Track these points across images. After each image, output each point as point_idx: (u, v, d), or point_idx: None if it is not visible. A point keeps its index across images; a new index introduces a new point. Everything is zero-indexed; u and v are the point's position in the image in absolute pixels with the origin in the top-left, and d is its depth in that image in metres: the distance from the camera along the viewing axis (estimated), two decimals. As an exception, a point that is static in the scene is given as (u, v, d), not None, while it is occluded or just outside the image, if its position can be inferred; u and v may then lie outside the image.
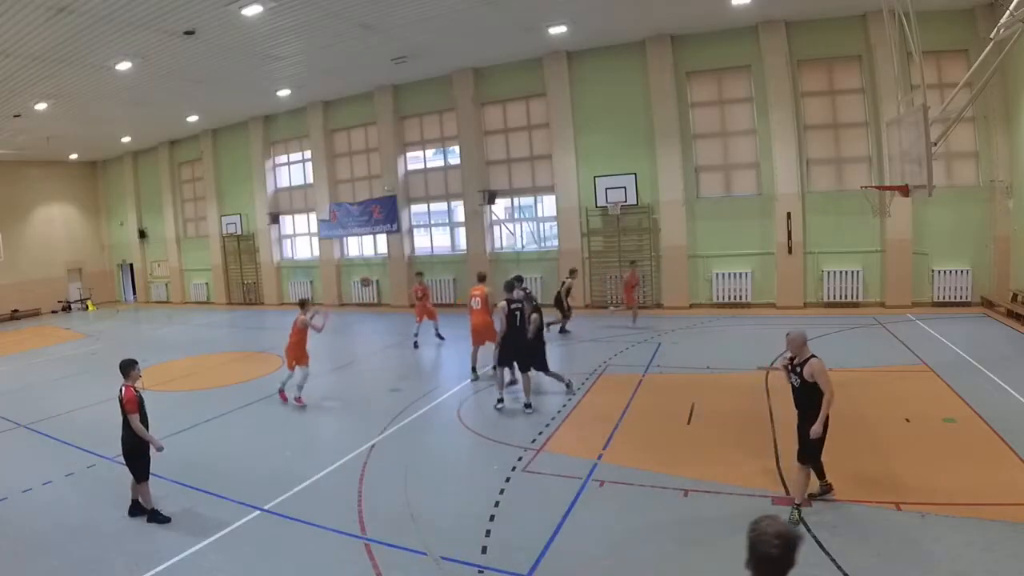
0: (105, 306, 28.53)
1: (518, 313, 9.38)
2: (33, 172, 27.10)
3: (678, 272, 17.04)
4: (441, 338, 14.45)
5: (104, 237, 30.53)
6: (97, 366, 14.23)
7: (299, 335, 9.98)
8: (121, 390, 6.11)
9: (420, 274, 15.30)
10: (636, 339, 13.39)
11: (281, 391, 10.30)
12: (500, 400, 9.29)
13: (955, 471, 6.14)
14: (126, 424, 6.11)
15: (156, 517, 6.17)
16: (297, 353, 10.01)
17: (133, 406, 6.03)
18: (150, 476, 6.24)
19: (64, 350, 17.27)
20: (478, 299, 11.09)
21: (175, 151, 27.01)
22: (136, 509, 6.28)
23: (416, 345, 14.15)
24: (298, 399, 10.01)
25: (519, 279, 10.60)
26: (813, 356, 5.44)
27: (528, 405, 9.08)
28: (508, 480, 6.71)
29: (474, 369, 11.14)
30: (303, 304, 10.21)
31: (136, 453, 6.12)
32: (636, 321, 14.92)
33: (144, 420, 6.19)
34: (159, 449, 6.19)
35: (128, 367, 6.24)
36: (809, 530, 5.20)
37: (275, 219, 24.12)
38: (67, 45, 12.97)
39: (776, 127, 15.67)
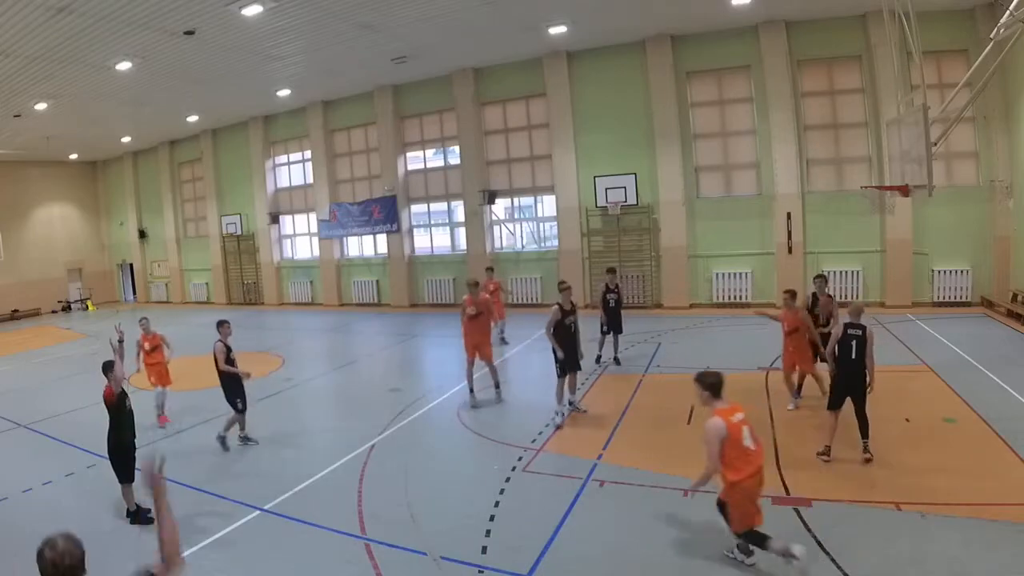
0: (105, 306, 28.50)
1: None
2: (33, 172, 27.12)
3: (678, 272, 17.03)
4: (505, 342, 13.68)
5: (104, 237, 30.54)
6: (97, 366, 14.14)
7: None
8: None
9: (491, 269, 14.86)
10: (636, 339, 13.37)
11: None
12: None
13: (955, 471, 6.14)
14: (112, 425, 6.19)
15: (139, 518, 6.15)
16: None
17: (113, 400, 6.18)
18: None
19: (64, 350, 17.26)
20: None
21: (175, 151, 27.01)
22: (136, 517, 6.22)
23: (504, 341, 13.57)
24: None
25: (612, 270, 11.46)
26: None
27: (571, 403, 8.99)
28: (508, 480, 6.72)
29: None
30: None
31: (120, 453, 6.14)
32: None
33: (127, 421, 6.28)
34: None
35: (106, 368, 6.34)
36: (809, 530, 5.21)
37: (275, 219, 24.12)
38: (67, 45, 12.97)
39: (776, 127, 15.66)
